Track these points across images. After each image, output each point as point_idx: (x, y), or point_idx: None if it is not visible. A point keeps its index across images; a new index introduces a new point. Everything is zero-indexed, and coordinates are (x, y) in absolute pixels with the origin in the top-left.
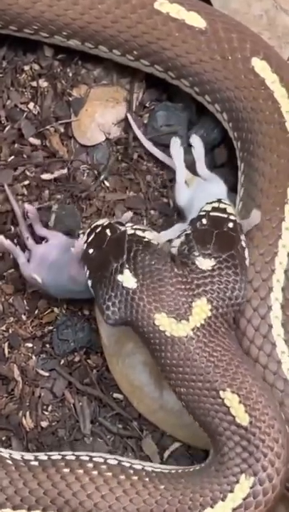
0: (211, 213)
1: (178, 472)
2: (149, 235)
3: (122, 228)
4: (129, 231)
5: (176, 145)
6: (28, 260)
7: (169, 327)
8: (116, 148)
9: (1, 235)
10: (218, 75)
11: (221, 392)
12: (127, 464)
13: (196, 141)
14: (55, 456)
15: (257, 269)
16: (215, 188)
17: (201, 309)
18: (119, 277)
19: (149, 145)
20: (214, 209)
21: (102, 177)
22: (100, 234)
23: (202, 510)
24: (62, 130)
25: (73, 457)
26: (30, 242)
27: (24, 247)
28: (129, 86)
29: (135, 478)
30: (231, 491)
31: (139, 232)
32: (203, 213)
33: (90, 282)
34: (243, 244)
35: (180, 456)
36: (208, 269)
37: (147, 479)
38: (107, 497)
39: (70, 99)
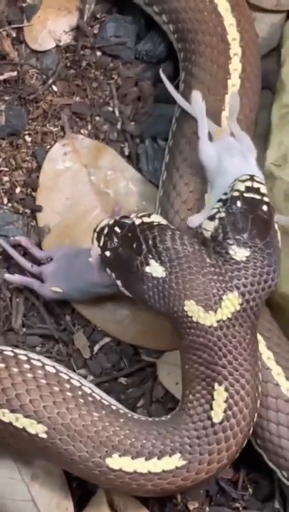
0: (245, 194)
1: (119, 411)
2: (156, 218)
3: (129, 221)
4: (137, 221)
5: (197, 98)
6: (42, 281)
7: (196, 313)
8: (65, 56)
9: (7, 274)
10: None
11: (216, 384)
12: (65, 377)
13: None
14: None
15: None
16: (244, 153)
17: (231, 303)
18: (148, 269)
19: (178, 97)
20: (248, 189)
21: (50, 81)
22: (110, 234)
23: (110, 454)
24: (14, 35)
25: (11, 354)
26: (35, 269)
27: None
28: None
29: (69, 394)
30: (160, 458)
31: (145, 219)
32: (237, 194)
33: (119, 283)
34: (276, 227)
35: (109, 351)
36: (242, 260)
37: (82, 401)
38: (35, 403)
39: (24, 5)
